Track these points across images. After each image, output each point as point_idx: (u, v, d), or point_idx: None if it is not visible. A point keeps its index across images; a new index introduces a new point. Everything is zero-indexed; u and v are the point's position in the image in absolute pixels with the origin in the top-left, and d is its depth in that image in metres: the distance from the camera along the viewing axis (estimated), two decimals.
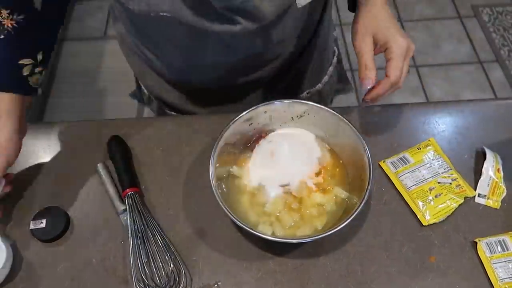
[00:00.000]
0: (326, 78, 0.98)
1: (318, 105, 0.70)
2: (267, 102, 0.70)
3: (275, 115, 0.72)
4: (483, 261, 0.64)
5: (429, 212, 0.68)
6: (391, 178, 0.73)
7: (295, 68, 0.89)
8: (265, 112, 0.71)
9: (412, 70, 2.09)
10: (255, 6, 0.62)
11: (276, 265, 0.65)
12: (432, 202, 0.69)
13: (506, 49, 2.19)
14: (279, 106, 0.71)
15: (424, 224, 0.67)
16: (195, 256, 0.66)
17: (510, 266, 0.63)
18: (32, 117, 1.83)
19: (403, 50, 0.65)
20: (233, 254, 0.66)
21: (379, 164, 0.74)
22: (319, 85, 0.97)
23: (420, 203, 0.69)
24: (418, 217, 0.68)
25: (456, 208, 0.68)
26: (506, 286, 0.62)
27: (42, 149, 0.77)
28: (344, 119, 0.68)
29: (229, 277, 0.64)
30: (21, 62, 0.63)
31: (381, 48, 0.67)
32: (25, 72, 0.64)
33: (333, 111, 0.69)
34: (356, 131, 0.67)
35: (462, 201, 0.69)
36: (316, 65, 0.92)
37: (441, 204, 0.68)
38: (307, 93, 0.96)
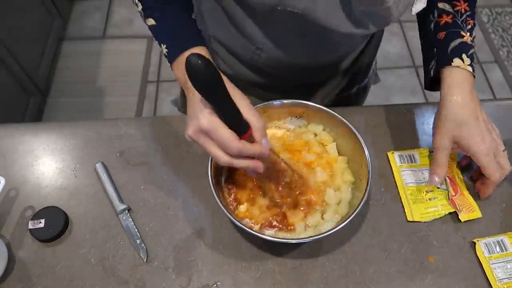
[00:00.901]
0: (371, 72, 0.98)
1: (317, 106, 0.70)
2: (267, 103, 0.70)
3: (274, 116, 0.72)
4: (481, 262, 0.64)
5: (417, 210, 0.69)
6: (393, 170, 0.74)
7: (361, 62, 0.90)
8: (264, 112, 0.71)
9: (411, 70, 2.09)
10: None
11: (275, 265, 0.65)
12: (423, 201, 0.69)
13: (505, 49, 2.19)
14: (278, 106, 0.71)
15: (408, 220, 0.68)
16: (194, 256, 0.66)
17: (509, 267, 0.63)
18: (31, 117, 1.83)
19: (488, 151, 0.65)
20: (232, 254, 0.66)
21: (386, 154, 0.76)
22: (366, 79, 0.98)
23: (411, 199, 0.69)
24: (406, 211, 0.69)
25: (445, 215, 0.69)
26: (505, 286, 0.62)
27: (41, 149, 0.77)
28: (345, 120, 0.68)
29: (228, 277, 0.64)
30: (193, 17, 0.63)
31: (464, 152, 0.68)
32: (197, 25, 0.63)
33: (333, 112, 0.69)
34: (356, 133, 0.67)
35: (453, 210, 0.69)
36: (372, 59, 0.93)
37: (432, 207, 0.69)
38: (357, 88, 0.96)
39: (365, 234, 0.68)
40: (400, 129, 0.80)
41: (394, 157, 0.75)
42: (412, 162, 0.74)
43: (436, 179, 0.67)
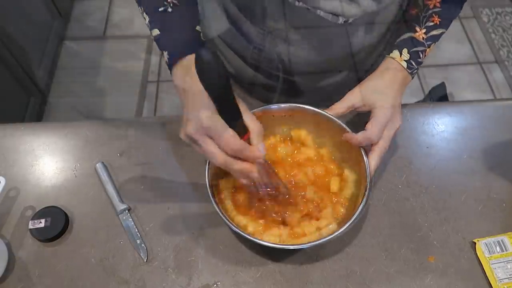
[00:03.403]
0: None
1: (314, 109, 0.70)
2: (266, 106, 0.70)
3: (276, 118, 0.72)
4: (482, 262, 0.64)
5: None
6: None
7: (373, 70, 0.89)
8: (263, 114, 0.71)
9: None
10: None
11: (275, 265, 0.65)
12: None
13: (506, 49, 2.19)
14: (276, 110, 0.71)
15: None
16: (194, 256, 0.66)
17: (509, 267, 0.63)
18: (32, 117, 1.83)
19: (385, 119, 0.65)
20: (232, 254, 0.66)
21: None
22: None
23: None
24: None
25: None
26: (505, 286, 0.62)
27: (42, 149, 0.77)
28: (342, 124, 0.68)
29: (228, 277, 0.64)
30: (197, 28, 0.61)
31: (365, 109, 0.68)
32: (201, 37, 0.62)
33: (330, 115, 0.69)
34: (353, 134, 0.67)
35: None
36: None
37: None
38: None
39: (366, 234, 0.68)
40: (400, 129, 0.79)
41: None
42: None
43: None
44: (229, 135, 0.52)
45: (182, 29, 0.61)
